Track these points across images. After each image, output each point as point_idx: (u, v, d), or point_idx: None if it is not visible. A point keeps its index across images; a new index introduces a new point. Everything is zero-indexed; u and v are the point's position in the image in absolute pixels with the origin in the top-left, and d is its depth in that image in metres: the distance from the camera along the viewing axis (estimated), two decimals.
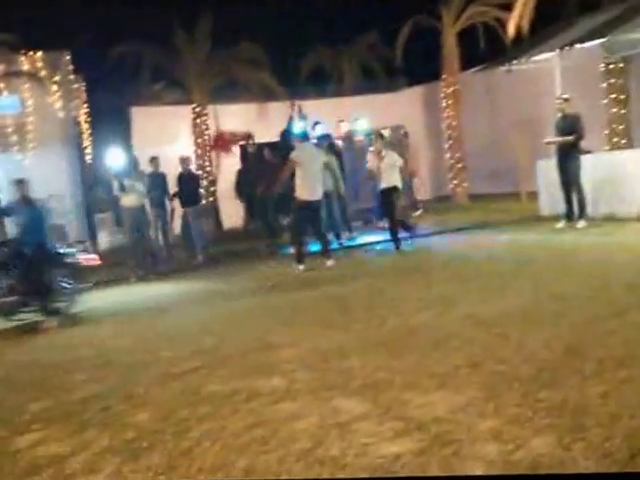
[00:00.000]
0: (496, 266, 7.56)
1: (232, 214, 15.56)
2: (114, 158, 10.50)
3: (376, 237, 11.26)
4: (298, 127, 12.54)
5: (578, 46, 11.32)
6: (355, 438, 3.26)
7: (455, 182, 16.67)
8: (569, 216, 9.88)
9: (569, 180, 9.79)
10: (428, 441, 3.13)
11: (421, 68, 17.85)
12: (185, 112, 16.00)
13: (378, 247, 10.60)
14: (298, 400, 3.88)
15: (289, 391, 4.07)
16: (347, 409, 3.66)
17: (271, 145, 12.84)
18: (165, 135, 15.21)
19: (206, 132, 16.15)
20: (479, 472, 2.80)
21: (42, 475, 3.31)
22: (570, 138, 9.62)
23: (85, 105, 14.77)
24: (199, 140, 16.11)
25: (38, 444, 3.70)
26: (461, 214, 13.53)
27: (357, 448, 3.15)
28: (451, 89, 16.50)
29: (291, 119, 13.08)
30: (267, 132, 14.50)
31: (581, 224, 9.66)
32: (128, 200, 10.35)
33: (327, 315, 6.13)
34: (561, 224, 9.87)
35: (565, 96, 10.20)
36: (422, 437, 3.18)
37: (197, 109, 16.06)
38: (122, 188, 10.24)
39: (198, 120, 16.07)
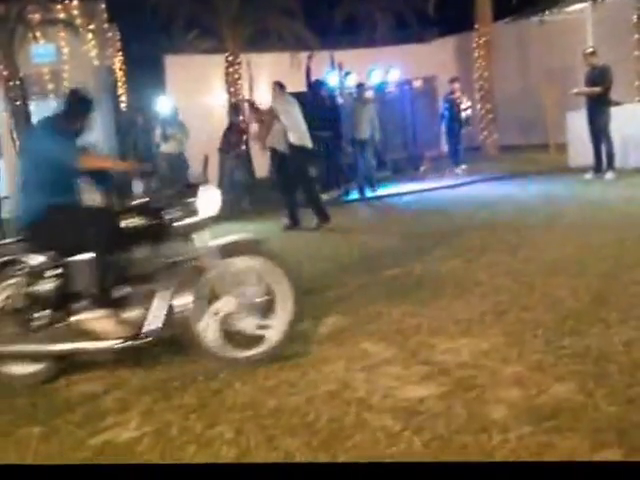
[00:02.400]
0: (524, 217, 7.53)
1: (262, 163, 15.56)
2: (155, 106, 10.72)
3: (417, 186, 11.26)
4: (329, 78, 12.52)
5: None
6: (381, 381, 3.35)
7: (485, 133, 16.46)
8: (598, 168, 9.77)
9: (598, 131, 9.67)
10: (452, 385, 3.20)
11: (454, 18, 17.43)
12: (218, 61, 15.88)
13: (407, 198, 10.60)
14: (325, 344, 3.96)
15: (317, 335, 4.15)
16: (374, 353, 3.74)
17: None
18: (198, 84, 15.13)
19: (239, 82, 16.05)
20: (500, 415, 2.86)
21: (77, 411, 3.45)
22: (598, 89, 9.47)
23: (120, 54, 14.74)
24: (232, 89, 16.03)
25: (74, 383, 3.85)
26: (491, 165, 13.40)
27: (383, 391, 3.23)
28: (483, 40, 16.13)
29: (308, 70, 12.90)
30: (299, 82, 14.33)
31: (609, 176, 9.55)
32: (168, 147, 10.48)
33: (356, 262, 6.20)
34: (589, 175, 9.78)
35: (590, 50, 10.01)
36: (446, 381, 3.25)
37: (230, 58, 15.94)
38: (164, 136, 10.39)
39: (231, 69, 15.97)
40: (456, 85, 12.56)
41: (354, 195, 11.07)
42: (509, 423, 2.79)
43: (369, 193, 11.02)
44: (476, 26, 16.19)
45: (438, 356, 3.60)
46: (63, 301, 3.84)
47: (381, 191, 11.28)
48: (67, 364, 3.96)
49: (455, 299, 4.60)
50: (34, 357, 3.87)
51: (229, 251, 3.83)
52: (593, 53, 9.94)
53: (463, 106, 12.41)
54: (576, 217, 7.12)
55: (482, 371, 3.33)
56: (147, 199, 3.96)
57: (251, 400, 3.30)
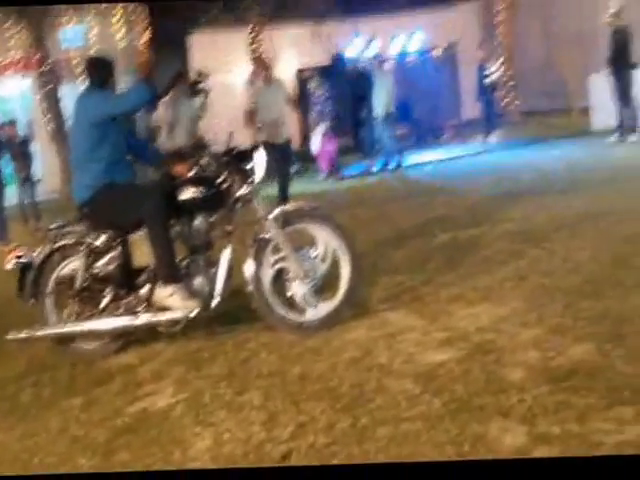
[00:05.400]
0: (546, 182, 7.54)
1: None
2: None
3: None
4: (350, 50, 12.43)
5: None
6: (402, 347, 3.46)
7: (507, 99, 16.31)
8: (621, 130, 9.68)
9: (621, 93, 9.57)
10: (471, 349, 3.30)
11: None
12: (242, 37, 15.88)
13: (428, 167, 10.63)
14: (349, 311, 4.07)
15: None
16: (394, 321, 3.86)
17: None
18: (223, 61, 15.16)
19: (263, 57, 16.05)
20: (518, 377, 2.96)
21: (115, 382, 3.64)
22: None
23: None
24: (251, 64, 16.04)
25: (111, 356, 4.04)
26: (514, 130, 13.31)
27: (403, 356, 3.35)
28: (505, 3, 15.91)
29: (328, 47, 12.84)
30: (322, 55, 14.30)
31: (634, 138, 9.47)
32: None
33: (379, 231, 6.29)
34: (613, 138, 9.70)
35: (613, 10, 9.85)
36: (465, 346, 3.35)
37: (252, 34, 15.92)
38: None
39: (254, 45, 15.97)
40: (484, 51, 12.45)
41: (379, 166, 11.14)
42: (527, 384, 2.89)
43: (393, 164, 11.06)
44: None
45: (459, 322, 3.70)
46: (127, 277, 3.97)
47: (406, 160, 11.32)
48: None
49: (476, 266, 4.68)
50: (100, 334, 4.03)
51: (291, 217, 3.94)
52: (616, 14, 9.79)
53: (487, 72, 12.31)
54: (598, 182, 7.09)
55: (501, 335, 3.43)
56: (201, 168, 4.00)
57: (277, 368, 3.45)
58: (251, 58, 15.53)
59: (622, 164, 7.98)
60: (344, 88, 13.37)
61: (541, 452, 2.37)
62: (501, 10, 16.04)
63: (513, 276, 4.31)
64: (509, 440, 2.47)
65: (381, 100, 11.04)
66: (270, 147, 6.31)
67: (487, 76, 12.26)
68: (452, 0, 18.32)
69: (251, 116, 7.49)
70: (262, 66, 7.35)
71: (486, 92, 12.38)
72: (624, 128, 9.66)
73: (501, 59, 16.18)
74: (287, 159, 7.41)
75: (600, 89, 10.41)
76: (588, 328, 3.36)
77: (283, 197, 7.12)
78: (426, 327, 3.68)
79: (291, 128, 8.00)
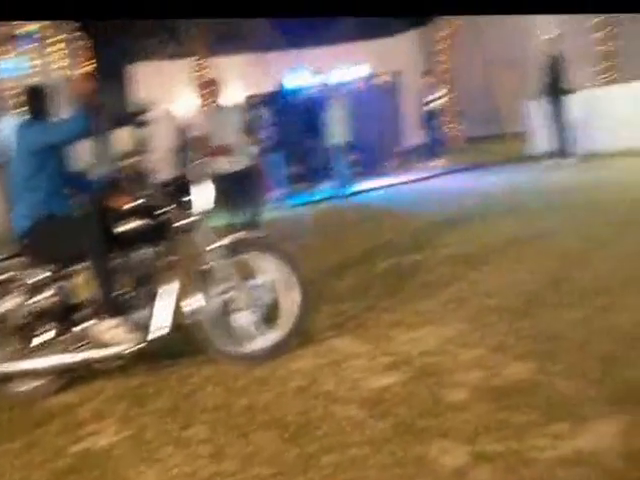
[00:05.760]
0: (486, 206, 7.74)
1: None
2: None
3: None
4: (295, 79, 12.54)
5: None
6: (347, 374, 3.48)
7: (451, 125, 16.74)
8: (558, 154, 10.04)
9: (557, 118, 9.95)
10: (415, 372, 3.34)
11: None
12: (187, 66, 15.91)
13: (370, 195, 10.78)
14: (294, 341, 4.07)
15: None
16: (340, 348, 3.88)
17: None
18: (168, 90, 15.14)
19: (206, 85, 16.06)
20: (461, 398, 3.01)
21: (55, 422, 3.53)
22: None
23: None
24: (201, 93, 16.06)
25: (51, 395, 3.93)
26: (458, 156, 13.64)
27: (349, 383, 3.37)
28: (445, 32, 16.42)
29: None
30: (266, 84, 14.43)
31: (569, 161, 9.83)
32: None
33: (326, 258, 6.34)
34: (550, 162, 10.04)
35: (550, 36, 10.30)
36: (409, 369, 3.39)
37: (197, 62, 15.98)
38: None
39: (199, 73, 16.01)
40: (428, 78, 12.77)
41: (329, 193, 11.24)
42: (469, 404, 2.94)
43: (343, 191, 11.17)
44: (437, 19, 16.47)
45: (403, 346, 3.74)
46: (67, 313, 3.89)
47: (353, 188, 11.46)
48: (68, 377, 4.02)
49: (418, 290, 4.75)
50: (39, 373, 3.91)
51: (236, 247, 3.93)
52: (551, 40, 10.24)
53: (431, 98, 12.62)
54: (537, 204, 7.32)
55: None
56: (142, 200, 3.96)
57: (223, 401, 3.42)
58: (200, 84, 15.58)
59: (557, 187, 8.26)
60: (291, 116, 13.51)
61: (482, 470, 2.41)
62: (441, 39, 16.52)
63: (455, 298, 4.40)
64: (449, 460, 2.51)
65: (336, 128, 11.15)
66: (224, 176, 6.36)
67: (430, 103, 12.57)
68: (393, 30, 18.83)
69: (200, 143, 7.16)
70: (212, 92, 7.07)
71: (430, 119, 12.68)
72: (559, 153, 10.02)
73: (443, 87, 16.67)
74: (250, 187, 7.06)
75: (536, 115, 10.78)
76: (528, 346, 3.44)
77: (252, 226, 6.86)
78: (371, 352, 3.71)
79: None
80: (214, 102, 6.80)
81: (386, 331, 4.02)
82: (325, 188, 11.56)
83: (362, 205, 10.08)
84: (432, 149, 12.81)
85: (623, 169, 8.78)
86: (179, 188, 3.96)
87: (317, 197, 11.40)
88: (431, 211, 8.21)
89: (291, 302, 3.92)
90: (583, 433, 2.57)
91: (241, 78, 15.80)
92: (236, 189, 6.47)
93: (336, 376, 3.48)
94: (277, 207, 11.12)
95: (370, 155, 14.24)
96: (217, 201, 4.06)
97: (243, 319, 3.88)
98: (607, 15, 12.89)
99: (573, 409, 2.74)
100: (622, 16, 12.80)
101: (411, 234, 6.88)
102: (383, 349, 3.74)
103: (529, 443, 2.55)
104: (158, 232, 3.89)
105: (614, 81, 12.64)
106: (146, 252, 3.88)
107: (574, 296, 4.05)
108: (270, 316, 3.98)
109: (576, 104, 10.03)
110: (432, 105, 12.52)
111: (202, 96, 9.54)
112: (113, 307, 3.81)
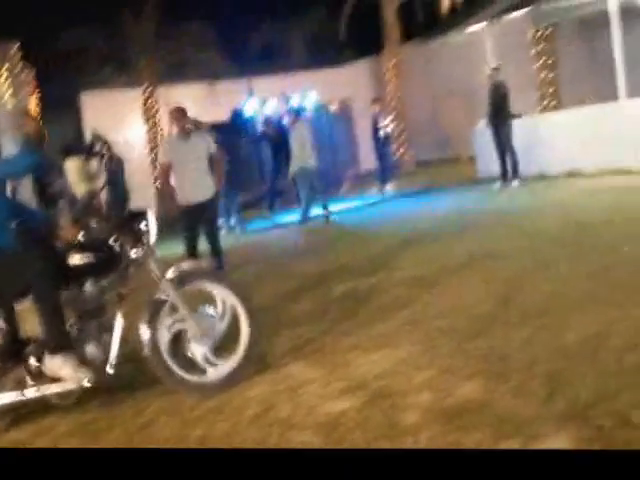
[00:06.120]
0: (437, 228, 7.91)
1: None
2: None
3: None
4: (246, 108, 12.62)
5: (507, 16, 11.78)
6: (303, 400, 3.51)
7: (401, 150, 17.06)
8: (504, 177, 10.36)
9: (502, 143, 10.29)
10: (369, 396, 3.39)
11: (366, 41, 18.03)
12: (136, 95, 15.84)
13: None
14: (250, 369, 4.08)
15: None
16: (296, 374, 3.90)
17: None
18: (117, 120, 15.05)
19: (157, 114, 16.04)
20: (414, 420, 3.06)
21: None
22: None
23: (35, 94, 14.50)
24: (150, 122, 16.02)
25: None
26: (409, 180, 13.90)
27: (304, 409, 3.39)
28: (393, 61, 16.80)
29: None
30: (218, 113, 14.47)
31: (515, 184, 10.15)
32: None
33: (282, 284, 6.37)
34: (497, 185, 10.34)
35: (494, 66, 10.72)
36: (364, 393, 3.44)
37: (147, 91, 15.93)
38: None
39: (148, 103, 15.96)
40: (378, 106, 13.00)
41: (285, 219, 11.28)
42: (421, 426, 2.99)
43: (299, 216, 11.20)
44: (386, 49, 16.84)
45: (358, 370, 3.78)
46: (14, 349, 3.80)
47: (309, 213, 11.48)
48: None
49: (373, 314, 4.82)
50: None
51: (187, 277, 3.92)
52: (495, 70, 10.66)
53: (380, 125, 12.84)
54: (485, 226, 7.52)
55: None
56: (92, 231, 3.93)
57: (178, 432, 3.39)
58: (170, 111, 15.50)
59: (505, 209, 8.51)
60: (244, 144, 13.60)
61: None
62: (390, 67, 16.89)
63: (408, 321, 4.47)
64: None
65: (297, 154, 11.17)
66: (187, 206, 6.15)
67: (381, 129, 12.79)
68: (344, 59, 19.22)
69: (165, 173, 6.82)
70: (177, 120, 6.79)
71: (381, 144, 12.88)
72: (504, 176, 10.35)
73: (393, 113, 17.03)
74: (210, 217, 6.81)
75: (482, 140, 11.11)
76: (477, 366, 3.53)
77: (214, 254, 6.68)
78: (327, 377, 3.75)
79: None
80: (180, 130, 6.54)
81: (342, 355, 4.07)
82: (281, 214, 11.61)
83: (317, 229, 10.16)
84: (384, 173, 13.01)
85: (565, 190, 9.11)
86: (131, 219, 3.96)
87: (273, 223, 11.42)
88: (385, 234, 8.35)
89: (243, 330, 3.94)
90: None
91: (192, 107, 15.84)
92: (193, 219, 6.44)
93: (292, 402, 3.50)
94: (234, 234, 11.13)
95: (323, 180, 14.38)
96: (172, 231, 4.06)
97: (196, 349, 3.87)
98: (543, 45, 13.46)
99: (522, 427, 2.82)
100: (557, 46, 13.42)
101: (366, 257, 6.98)
102: (339, 374, 3.78)
103: None
104: (108, 264, 3.86)
105: (555, 107, 13.17)
106: (96, 285, 3.85)
107: (521, 316, 4.17)
108: (223, 345, 3.97)
109: (521, 129, 10.39)
110: (383, 131, 12.74)
111: (160, 122, 9.17)
112: (63, 342, 3.75)
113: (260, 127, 13.53)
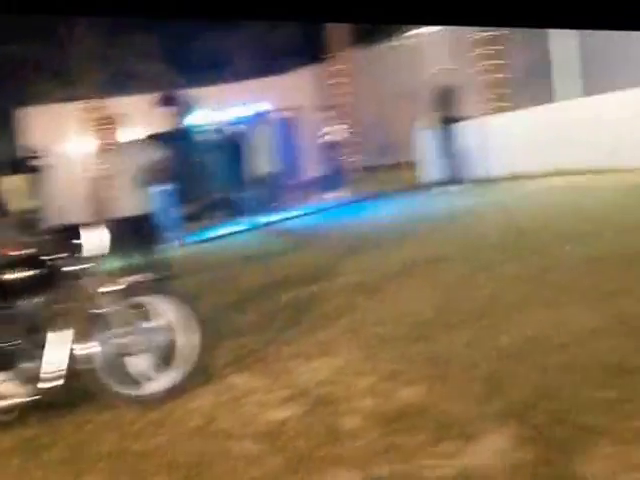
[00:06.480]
0: (380, 234, 8.00)
1: None
2: None
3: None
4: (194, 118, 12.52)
5: None
6: (245, 410, 3.51)
7: (348, 157, 17.17)
8: (448, 181, 10.54)
9: (445, 147, 10.45)
10: (311, 404, 3.42)
11: (312, 48, 18.09)
12: (77, 108, 15.51)
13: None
14: (192, 381, 4.06)
15: None
16: (239, 384, 3.90)
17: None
18: (57, 134, 14.72)
19: (101, 127, 15.70)
20: (355, 424, 3.11)
21: None
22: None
23: None
24: (91, 135, 15.70)
25: None
26: (355, 186, 14.01)
27: (247, 418, 3.40)
28: (338, 67, 16.91)
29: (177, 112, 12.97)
30: (163, 124, 14.29)
31: (458, 188, 10.33)
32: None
33: (224, 295, 6.33)
34: (440, 189, 10.50)
35: (440, 69, 10.87)
36: (306, 401, 3.47)
37: (88, 104, 15.60)
38: None
39: (89, 115, 15.63)
40: (325, 112, 13.07)
41: (230, 228, 11.24)
42: (362, 430, 3.04)
43: (246, 225, 11.20)
44: (331, 54, 16.96)
45: (300, 378, 3.81)
46: None
47: (254, 222, 11.49)
48: None
49: (315, 322, 4.85)
50: None
51: (130, 291, 3.88)
52: (439, 73, 10.80)
53: (329, 131, 12.92)
54: (427, 231, 7.65)
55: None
56: (29, 247, 3.87)
57: (119, 446, 3.35)
58: (98, 120, 15.23)
59: (446, 213, 8.66)
60: (192, 154, 13.44)
61: None
62: (336, 73, 17.02)
63: (350, 328, 4.52)
64: None
65: (248, 162, 11.09)
66: (119, 220, 5.80)
67: (328, 135, 12.87)
68: (290, 67, 19.27)
69: (97, 186, 6.62)
70: (109, 133, 6.65)
71: (328, 151, 12.96)
72: (449, 180, 10.52)
73: (340, 120, 17.15)
74: (146, 232, 6.56)
75: (427, 144, 11.27)
76: (418, 371, 3.60)
77: (153, 267, 6.43)
78: (269, 387, 3.76)
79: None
80: (113, 141, 6.45)
81: (285, 364, 4.09)
82: (227, 223, 11.55)
83: (262, 238, 10.15)
84: (331, 180, 13.09)
85: (507, 193, 9.33)
86: (69, 234, 3.90)
87: (218, 233, 11.35)
88: (329, 241, 8.39)
89: (184, 342, 3.91)
90: (471, 450, 2.72)
91: (139, 118, 15.63)
92: (133, 232, 6.30)
93: (234, 413, 3.50)
94: (178, 246, 11.00)
95: (271, 188, 14.38)
96: (112, 245, 4.01)
97: (136, 362, 3.83)
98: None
99: (461, 428, 2.89)
100: (506, 48, 13.66)
101: (310, 265, 7.01)
102: (282, 382, 3.80)
103: (419, 463, 2.67)
104: (46, 279, 3.79)
105: (505, 109, 13.39)
106: (33, 301, 3.78)
107: (460, 320, 4.26)
108: (165, 358, 3.94)
109: (469, 132, 10.57)
110: (330, 138, 12.83)
111: (100, 135, 8.98)
112: (0, 359, 3.67)
113: (206, 137, 13.46)
